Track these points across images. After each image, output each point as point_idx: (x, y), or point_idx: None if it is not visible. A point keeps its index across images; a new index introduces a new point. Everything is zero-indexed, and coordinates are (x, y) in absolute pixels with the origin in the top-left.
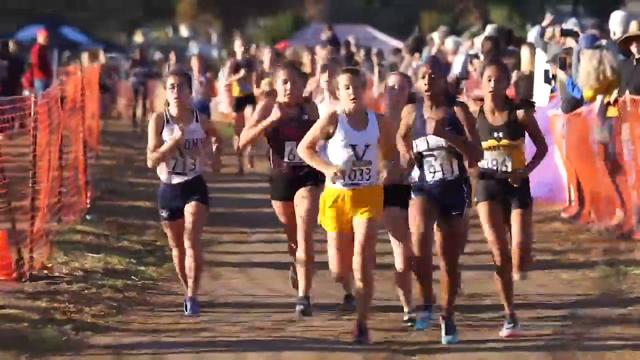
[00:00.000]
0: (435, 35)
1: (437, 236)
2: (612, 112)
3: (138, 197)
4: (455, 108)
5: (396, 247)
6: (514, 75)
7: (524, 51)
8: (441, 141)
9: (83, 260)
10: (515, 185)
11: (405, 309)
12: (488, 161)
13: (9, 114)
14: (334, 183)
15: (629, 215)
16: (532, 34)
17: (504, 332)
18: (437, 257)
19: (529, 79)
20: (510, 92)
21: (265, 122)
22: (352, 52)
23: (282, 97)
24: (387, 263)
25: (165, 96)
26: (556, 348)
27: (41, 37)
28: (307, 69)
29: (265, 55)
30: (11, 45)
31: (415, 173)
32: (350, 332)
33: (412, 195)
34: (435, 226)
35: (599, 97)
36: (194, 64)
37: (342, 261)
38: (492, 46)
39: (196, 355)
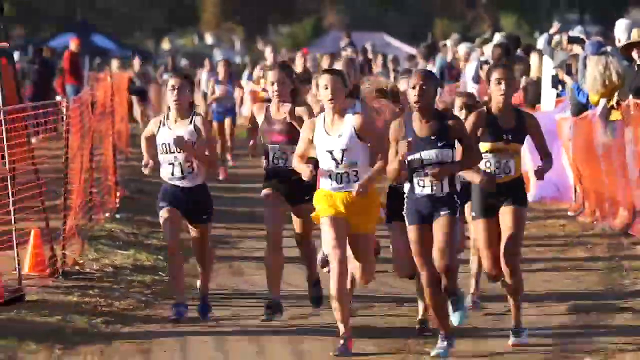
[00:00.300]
0: (448, 42)
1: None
2: (616, 115)
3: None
4: (449, 122)
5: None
6: (523, 81)
7: (534, 58)
8: (433, 158)
9: (113, 257)
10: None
11: (420, 312)
12: (491, 163)
13: (43, 118)
14: (336, 180)
15: (632, 214)
16: (541, 41)
17: (510, 341)
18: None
19: (537, 84)
20: (519, 96)
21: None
22: (370, 59)
23: (272, 98)
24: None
25: (197, 100)
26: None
27: (73, 44)
28: None
29: (298, 59)
30: (44, 52)
31: (406, 186)
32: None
33: (405, 216)
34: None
35: (602, 100)
36: (221, 70)
37: (339, 246)
38: (502, 53)
39: (219, 345)
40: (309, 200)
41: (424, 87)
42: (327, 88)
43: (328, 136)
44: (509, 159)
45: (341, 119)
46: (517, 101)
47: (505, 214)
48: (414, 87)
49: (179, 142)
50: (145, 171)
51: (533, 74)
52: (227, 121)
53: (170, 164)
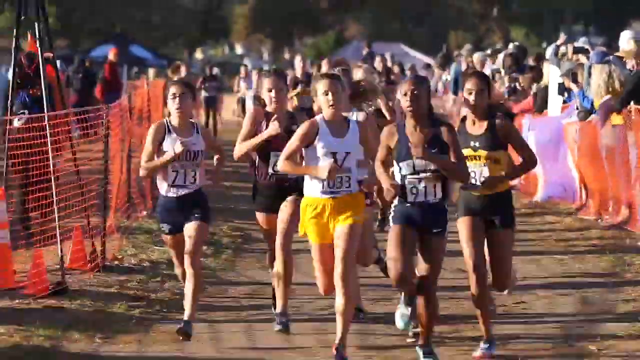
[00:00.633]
0: (463, 52)
1: (419, 258)
2: (618, 120)
3: None
4: (441, 128)
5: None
6: (534, 88)
7: (545, 67)
8: (427, 165)
9: (150, 252)
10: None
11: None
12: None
13: (85, 123)
14: (329, 183)
15: (633, 212)
16: (548, 51)
17: (477, 352)
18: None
19: (545, 91)
20: (529, 102)
21: (262, 136)
22: (389, 67)
23: (269, 106)
24: None
25: (231, 107)
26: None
27: (112, 54)
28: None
29: (324, 65)
30: (86, 62)
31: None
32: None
33: (391, 220)
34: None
35: (600, 102)
36: (254, 78)
37: (327, 273)
38: (512, 62)
39: (249, 335)
40: (296, 195)
41: (415, 92)
42: (327, 94)
43: (334, 138)
44: (482, 168)
45: (344, 123)
46: (527, 107)
47: (493, 239)
48: (405, 94)
49: (189, 153)
50: (179, 148)
51: (544, 81)
52: None
53: (174, 171)
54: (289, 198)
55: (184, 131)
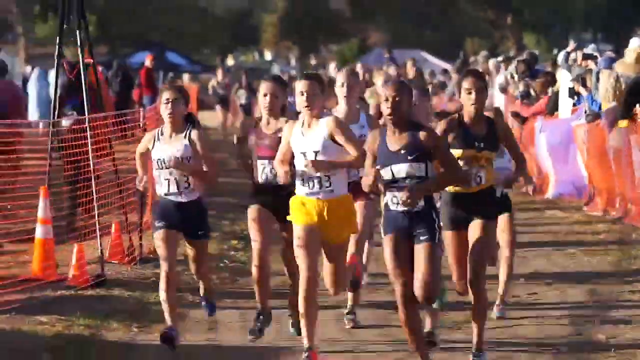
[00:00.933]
0: (479, 58)
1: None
2: (623, 123)
3: (229, 193)
4: (421, 133)
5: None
6: (550, 91)
7: (558, 72)
8: (403, 173)
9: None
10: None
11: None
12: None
13: (123, 125)
14: (309, 185)
15: (639, 209)
16: (559, 57)
17: None
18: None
19: (556, 94)
20: (542, 104)
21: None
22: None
23: (263, 111)
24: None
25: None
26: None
27: (148, 60)
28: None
29: (359, 69)
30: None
31: (383, 200)
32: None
33: (382, 229)
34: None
35: (607, 105)
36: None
37: (308, 252)
38: (525, 67)
39: (278, 324)
40: None
41: (397, 99)
42: (303, 94)
43: (303, 137)
44: (480, 169)
45: (317, 122)
46: (539, 109)
47: (472, 230)
48: (387, 100)
49: (176, 164)
50: (140, 187)
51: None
52: None
53: (166, 179)
54: (286, 229)
55: (173, 138)
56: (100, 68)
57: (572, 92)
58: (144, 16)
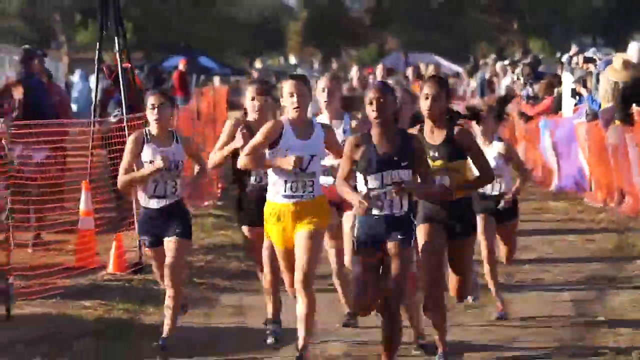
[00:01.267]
0: (488, 62)
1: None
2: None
3: None
4: (413, 140)
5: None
6: (555, 92)
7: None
8: (395, 177)
9: (215, 236)
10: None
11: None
12: None
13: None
14: (294, 171)
15: (635, 201)
16: (563, 60)
17: None
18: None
19: (559, 95)
20: (545, 104)
21: (229, 148)
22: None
23: (251, 114)
24: None
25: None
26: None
27: (181, 64)
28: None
29: (378, 71)
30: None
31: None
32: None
33: (354, 235)
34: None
35: (606, 105)
36: None
37: (292, 271)
38: (530, 70)
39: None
40: None
41: (381, 100)
42: (292, 95)
43: (298, 141)
44: (442, 177)
45: (309, 126)
46: (544, 109)
47: (451, 254)
48: (371, 102)
49: (169, 163)
50: (160, 162)
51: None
52: None
53: (154, 182)
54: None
55: (163, 141)
56: (136, 72)
57: (574, 93)
58: (177, 24)
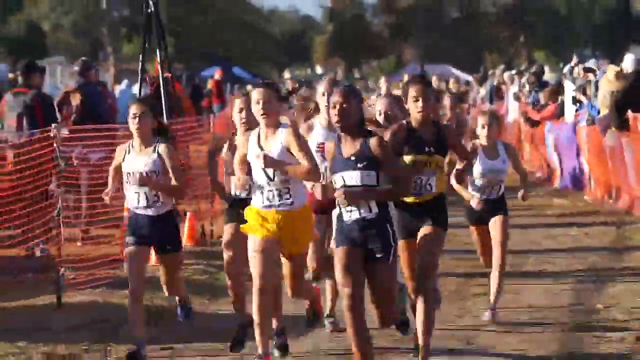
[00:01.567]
0: (497, 71)
1: (368, 286)
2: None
3: None
4: (371, 140)
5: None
6: (559, 99)
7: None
8: (357, 179)
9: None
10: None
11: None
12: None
13: (196, 129)
14: (266, 181)
15: (631, 198)
16: (565, 71)
17: None
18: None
19: (562, 102)
20: (550, 110)
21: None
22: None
23: (238, 124)
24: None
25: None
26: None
27: (217, 74)
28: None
29: (382, 84)
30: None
31: (336, 211)
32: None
33: (333, 241)
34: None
35: (605, 111)
36: None
37: (263, 265)
38: (535, 79)
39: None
40: None
41: (344, 105)
42: (259, 102)
43: (259, 149)
44: (430, 176)
45: (275, 134)
46: (548, 114)
47: (421, 236)
48: (334, 107)
49: (142, 179)
50: (106, 199)
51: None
52: None
53: (135, 192)
54: None
55: (142, 151)
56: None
57: (575, 100)
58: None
